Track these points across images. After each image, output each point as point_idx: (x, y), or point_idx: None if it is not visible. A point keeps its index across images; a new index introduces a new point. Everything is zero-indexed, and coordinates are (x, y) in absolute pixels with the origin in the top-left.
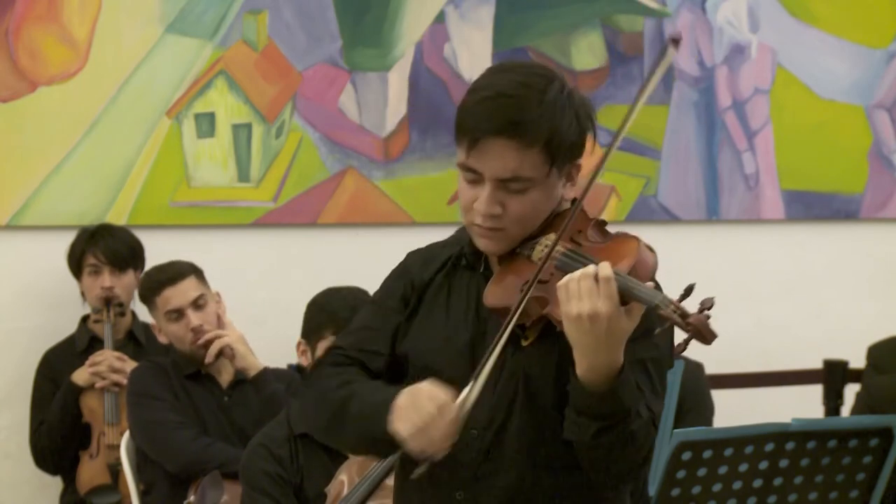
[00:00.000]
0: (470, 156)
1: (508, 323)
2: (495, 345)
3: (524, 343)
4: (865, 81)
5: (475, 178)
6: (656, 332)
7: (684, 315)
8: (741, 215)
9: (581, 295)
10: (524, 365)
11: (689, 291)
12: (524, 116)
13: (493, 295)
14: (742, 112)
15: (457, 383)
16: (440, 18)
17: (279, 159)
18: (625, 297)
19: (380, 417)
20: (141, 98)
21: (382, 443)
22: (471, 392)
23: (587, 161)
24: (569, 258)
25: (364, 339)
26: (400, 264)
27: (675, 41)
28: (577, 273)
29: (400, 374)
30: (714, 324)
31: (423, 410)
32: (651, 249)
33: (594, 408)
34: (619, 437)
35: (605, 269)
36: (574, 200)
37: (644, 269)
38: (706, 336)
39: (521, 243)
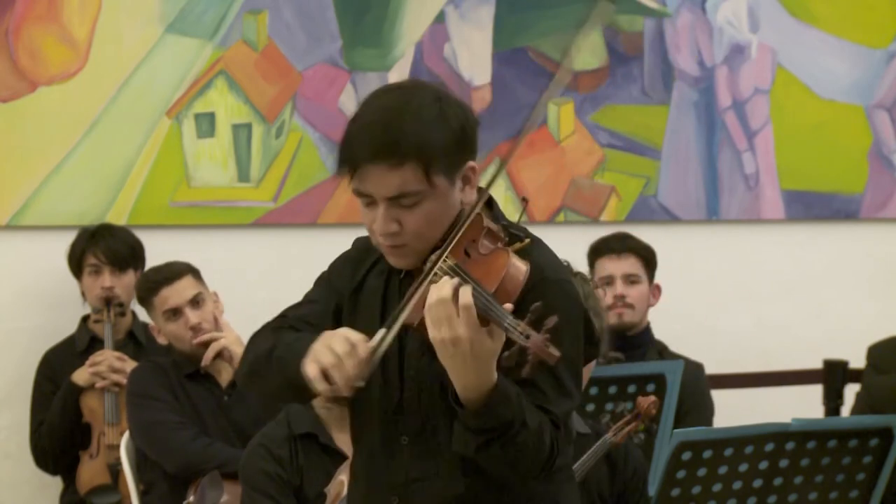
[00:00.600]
0: (355, 183)
1: (394, 324)
2: (401, 309)
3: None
4: (865, 81)
5: (370, 200)
6: (548, 330)
7: (527, 337)
8: (741, 215)
9: (441, 321)
10: (425, 369)
11: (539, 316)
12: (389, 138)
13: (410, 306)
14: (742, 112)
15: (386, 392)
16: (440, 18)
17: (279, 159)
18: (483, 320)
19: (296, 359)
20: (141, 98)
21: (297, 385)
22: (384, 339)
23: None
24: (449, 275)
25: (309, 312)
26: (351, 247)
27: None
28: (434, 298)
29: None
30: (713, 316)
31: (333, 348)
32: (523, 261)
33: (472, 423)
34: (503, 449)
35: (464, 294)
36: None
37: (512, 284)
38: (545, 358)
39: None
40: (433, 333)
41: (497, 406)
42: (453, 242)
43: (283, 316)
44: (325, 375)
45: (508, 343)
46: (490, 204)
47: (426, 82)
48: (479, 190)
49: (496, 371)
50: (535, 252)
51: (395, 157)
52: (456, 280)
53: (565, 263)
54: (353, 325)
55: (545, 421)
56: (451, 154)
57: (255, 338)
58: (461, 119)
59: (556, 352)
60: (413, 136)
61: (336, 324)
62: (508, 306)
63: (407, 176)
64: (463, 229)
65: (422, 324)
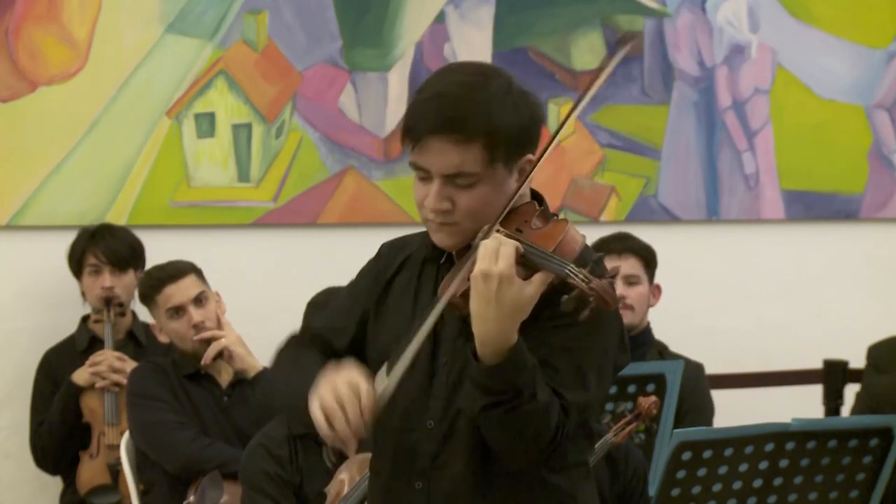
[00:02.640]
0: (415, 154)
1: (437, 311)
2: (416, 333)
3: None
4: (865, 81)
5: (425, 175)
6: (584, 318)
7: (588, 281)
8: (741, 215)
9: (483, 256)
10: (460, 354)
11: (608, 273)
12: (460, 113)
13: (446, 286)
14: (742, 112)
15: (416, 378)
16: (440, 18)
17: (279, 159)
18: (531, 265)
19: (303, 396)
20: (141, 98)
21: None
22: (387, 387)
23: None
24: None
25: (334, 317)
26: (376, 253)
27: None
28: (487, 240)
29: (363, 354)
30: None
31: (339, 392)
32: (580, 234)
33: (482, 381)
34: (507, 414)
35: (507, 239)
36: (535, 195)
37: (569, 247)
38: (608, 301)
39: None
40: (474, 270)
41: (511, 369)
42: (504, 214)
43: (309, 327)
44: (329, 422)
45: (568, 288)
46: (541, 202)
47: (502, 68)
48: (535, 195)
49: (518, 334)
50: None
51: (463, 133)
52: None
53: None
54: (382, 327)
55: (556, 403)
56: (516, 143)
57: (278, 357)
58: (532, 110)
59: (615, 300)
60: (484, 116)
61: (363, 330)
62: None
63: (469, 155)
64: (513, 206)
65: (455, 298)
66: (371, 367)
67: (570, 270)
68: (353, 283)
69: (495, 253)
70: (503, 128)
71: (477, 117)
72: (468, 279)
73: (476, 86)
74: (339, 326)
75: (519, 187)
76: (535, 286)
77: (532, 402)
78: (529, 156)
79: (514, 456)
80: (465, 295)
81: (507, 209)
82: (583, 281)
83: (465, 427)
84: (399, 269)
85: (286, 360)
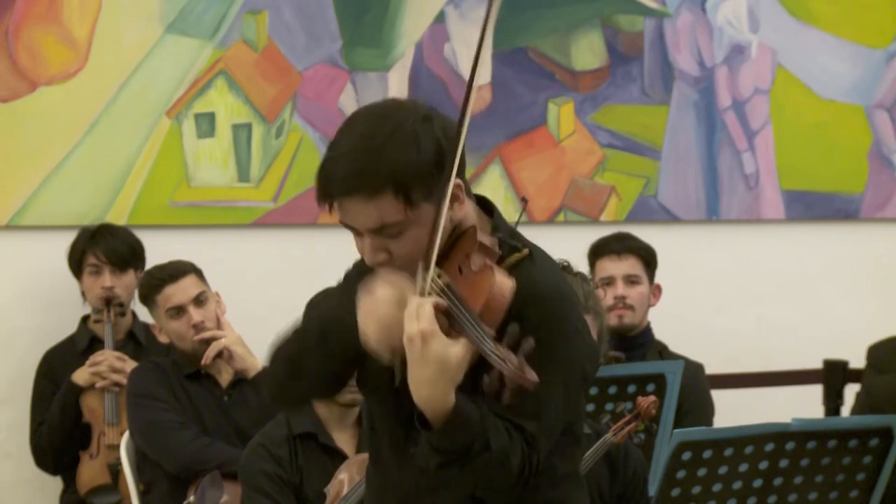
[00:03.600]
0: (338, 215)
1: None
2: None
3: None
4: (865, 81)
5: (353, 230)
6: (525, 354)
7: (504, 361)
8: (741, 215)
9: (406, 319)
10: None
11: (516, 339)
12: (359, 169)
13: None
14: (742, 112)
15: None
16: (440, 18)
17: (279, 159)
18: (455, 325)
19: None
20: (141, 98)
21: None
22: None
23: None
24: (439, 295)
25: (332, 310)
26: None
27: None
28: (410, 306)
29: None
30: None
31: (380, 300)
32: (510, 277)
33: (431, 441)
34: (461, 470)
35: (424, 300)
36: (483, 203)
37: (497, 303)
38: (523, 383)
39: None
40: (404, 332)
41: (454, 429)
42: (435, 257)
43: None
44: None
45: (488, 367)
46: (490, 212)
47: (405, 102)
48: (477, 197)
49: (454, 393)
50: (530, 264)
51: (369, 189)
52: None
53: (565, 263)
54: None
55: (515, 441)
56: (429, 177)
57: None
58: (436, 137)
59: (533, 376)
60: (385, 164)
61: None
62: (490, 332)
63: (385, 207)
64: (456, 234)
65: None
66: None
67: (486, 348)
68: (345, 287)
69: (415, 314)
70: (408, 168)
71: (377, 169)
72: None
73: (373, 135)
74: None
75: (436, 224)
76: (461, 346)
77: (485, 453)
78: (456, 180)
79: (489, 498)
80: None
81: (436, 247)
82: (498, 360)
83: None
84: None
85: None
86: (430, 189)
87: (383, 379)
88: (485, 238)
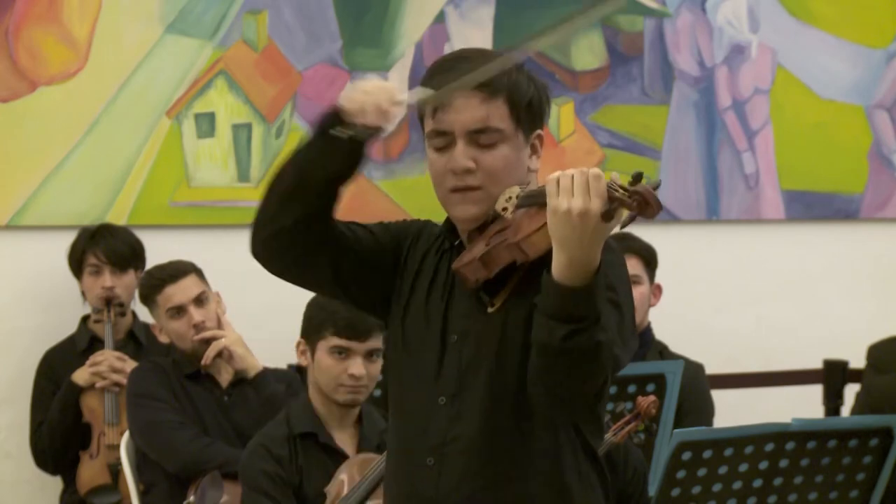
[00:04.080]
0: (437, 116)
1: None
2: None
3: (490, 310)
4: (865, 81)
5: (445, 141)
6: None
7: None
8: (741, 215)
9: (573, 190)
10: (491, 332)
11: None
12: (482, 68)
13: (461, 259)
14: (742, 112)
15: (427, 356)
16: (440, 18)
17: (279, 159)
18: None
19: (328, 115)
20: (141, 98)
21: (321, 141)
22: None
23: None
24: (529, 195)
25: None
26: (413, 221)
27: None
28: (572, 170)
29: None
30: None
31: (368, 84)
32: None
33: (568, 307)
34: (587, 343)
35: (595, 169)
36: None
37: None
38: (652, 205)
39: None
40: (560, 203)
41: (596, 290)
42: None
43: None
44: (359, 100)
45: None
46: None
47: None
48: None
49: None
50: None
51: (488, 87)
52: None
53: None
54: (405, 308)
55: (612, 341)
56: (533, 111)
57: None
58: (543, 88)
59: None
60: (505, 76)
61: (384, 272)
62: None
63: (494, 110)
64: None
65: (471, 266)
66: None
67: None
68: (388, 224)
69: (585, 187)
70: (523, 90)
71: (500, 75)
72: (486, 244)
73: (495, 52)
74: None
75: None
76: (618, 218)
77: (605, 332)
78: (540, 132)
79: (572, 398)
80: (483, 260)
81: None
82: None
83: (477, 403)
84: (422, 263)
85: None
86: (529, 120)
87: (422, 334)
88: None
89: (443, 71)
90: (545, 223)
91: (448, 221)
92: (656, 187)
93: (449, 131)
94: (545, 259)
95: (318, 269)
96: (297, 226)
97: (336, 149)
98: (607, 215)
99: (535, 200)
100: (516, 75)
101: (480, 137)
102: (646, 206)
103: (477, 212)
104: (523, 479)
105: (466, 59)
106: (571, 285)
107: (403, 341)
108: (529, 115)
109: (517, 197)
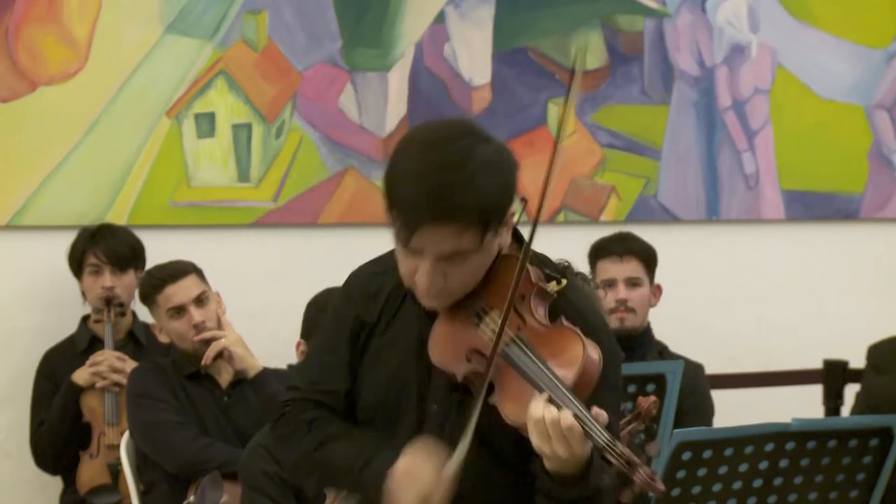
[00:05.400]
0: (406, 238)
1: (476, 405)
2: (473, 410)
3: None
4: (865, 81)
5: (416, 252)
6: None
7: (631, 466)
8: (741, 215)
9: (554, 439)
10: (477, 414)
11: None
12: (452, 203)
13: (438, 352)
14: (742, 112)
15: (404, 425)
16: (440, 18)
17: (279, 159)
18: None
19: (374, 484)
20: (141, 98)
21: None
22: (457, 456)
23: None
24: (515, 351)
25: (321, 377)
26: (343, 293)
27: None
28: (546, 417)
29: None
30: (713, 316)
31: (422, 481)
32: (594, 345)
33: (564, 495)
34: None
35: (566, 420)
36: (525, 246)
37: (589, 377)
38: (654, 491)
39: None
40: (545, 448)
41: (589, 476)
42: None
43: (296, 388)
44: None
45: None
46: (518, 238)
47: (466, 121)
48: (515, 234)
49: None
50: (573, 296)
51: (459, 222)
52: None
53: (565, 264)
54: (368, 370)
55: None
56: (504, 209)
57: (288, 438)
58: (510, 169)
59: (661, 486)
60: (475, 198)
61: (354, 371)
62: (601, 418)
63: (468, 237)
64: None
65: (451, 374)
66: (364, 420)
67: (609, 449)
68: (329, 332)
69: (564, 439)
70: (493, 201)
71: (469, 203)
72: (467, 360)
73: (458, 165)
74: (330, 388)
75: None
76: (588, 446)
77: (607, 492)
78: (511, 208)
79: None
80: (465, 379)
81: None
82: (625, 464)
83: (471, 485)
84: (377, 322)
85: (310, 443)
86: (501, 220)
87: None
88: (535, 274)
89: None
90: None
91: None
92: (654, 454)
93: (420, 249)
94: None
95: None
96: None
97: None
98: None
99: (520, 372)
100: (485, 183)
101: (451, 258)
102: (643, 492)
103: (441, 307)
104: None
105: None
106: (566, 477)
107: (375, 406)
108: (500, 213)
109: (506, 343)
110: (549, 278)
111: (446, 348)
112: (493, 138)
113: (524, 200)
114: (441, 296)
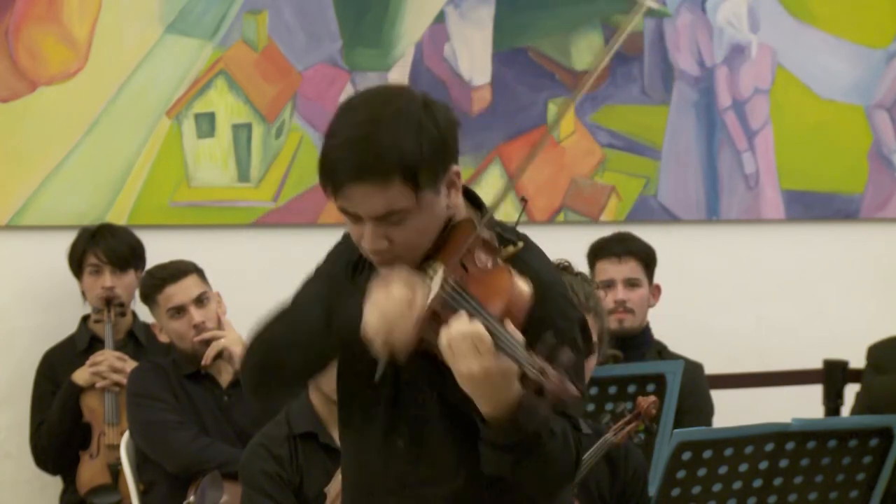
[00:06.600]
0: (339, 202)
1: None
2: None
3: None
4: (865, 81)
5: (355, 217)
6: (564, 366)
7: (543, 373)
8: (741, 215)
9: (466, 354)
10: (421, 374)
11: (551, 350)
12: (370, 156)
13: None
14: (742, 112)
15: (374, 403)
16: (440, 18)
17: (279, 159)
18: (497, 342)
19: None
20: (141, 98)
21: (324, 347)
22: (434, 289)
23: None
24: (452, 296)
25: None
26: (341, 242)
27: None
28: (455, 332)
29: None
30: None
31: (392, 299)
32: (524, 279)
33: (504, 440)
34: (537, 461)
35: (476, 328)
36: (470, 195)
37: (518, 307)
38: (565, 398)
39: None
40: (459, 367)
41: (525, 420)
42: (449, 260)
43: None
44: (381, 325)
45: (523, 377)
46: (478, 204)
47: (399, 87)
48: (467, 192)
49: (515, 388)
50: (528, 257)
51: (380, 176)
52: (469, 315)
53: (565, 264)
54: (352, 301)
55: (567, 425)
56: (436, 163)
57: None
58: (441, 124)
59: (573, 389)
60: (395, 151)
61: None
62: (518, 336)
63: (393, 194)
64: (451, 226)
65: (420, 340)
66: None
67: (523, 361)
68: (322, 271)
69: (474, 350)
70: (416, 155)
71: (387, 155)
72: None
73: (378, 120)
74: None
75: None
76: (509, 362)
77: (552, 439)
78: (454, 167)
79: (547, 490)
80: (420, 342)
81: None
82: (537, 373)
83: (438, 447)
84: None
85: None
86: (434, 175)
87: (367, 373)
88: (484, 233)
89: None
90: None
91: None
92: (566, 361)
93: (355, 214)
94: None
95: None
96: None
97: None
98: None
99: (455, 307)
100: (406, 136)
101: (388, 218)
102: (559, 398)
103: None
104: None
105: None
106: (501, 421)
107: (351, 379)
108: (436, 169)
109: (447, 289)
110: (505, 242)
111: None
112: (429, 99)
113: (524, 200)
114: (391, 259)
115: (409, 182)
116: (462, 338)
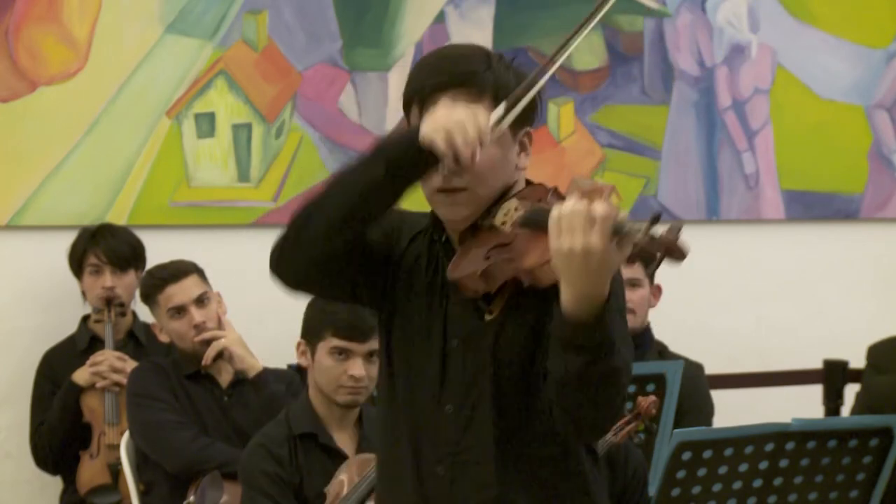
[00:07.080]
0: (420, 113)
1: None
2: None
3: (488, 317)
4: (865, 81)
5: None
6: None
7: (654, 237)
8: (741, 215)
9: (574, 229)
10: (490, 339)
11: (656, 219)
12: (468, 68)
13: (458, 267)
14: (742, 112)
15: (424, 370)
16: (440, 18)
17: (279, 159)
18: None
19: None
20: (141, 98)
21: (401, 160)
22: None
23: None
24: (533, 211)
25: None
26: (396, 213)
27: None
28: (569, 206)
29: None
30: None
31: (456, 112)
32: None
33: (582, 339)
34: (605, 371)
35: (596, 207)
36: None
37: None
38: (678, 254)
39: (482, 215)
40: (562, 244)
41: (609, 319)
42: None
43: None
44: (450, 140)
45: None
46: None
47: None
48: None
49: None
50: None
51: (474, 86)
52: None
53: None
54: (401, 288)
55: (629, 360)
56: (523, 108)
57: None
58: (527, 74)
59: (686, 248)
60: (491, 75)
61: (385, 272)
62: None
63: (481, 112)
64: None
65: (471, 279)
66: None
67: (640, 232)
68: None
69: (587, 226)
70: (509, 87)
71: (484, 74)
72: (486, 258)
73: (478, 50)
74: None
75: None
76: (624, 251)
77: (620, 355)
78: (529, 129)
79: (595, 424)
80: (485, 275)
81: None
82: (650, 237)
83: (487, 412)
84: (403, 254)
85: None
86: (519, 119)
87: (423, 324)
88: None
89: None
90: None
91: (433, 215)
92: (678, 231)
93: None
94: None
95: (342, 284)
96: (348, 244)
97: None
98: (631, 258)
99: (538, 224)
100: (504, 72)
101: None
102: (672, 252)
103: (466, 213)
104: (536, 485)
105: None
106: (582, 318)
107: (403, 344)
108: (518, 113)
109: (517, 215)
110: None
111: (464, 260)
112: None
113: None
114: (461, 194)
115: (497, 105)
116: (576, 213)
